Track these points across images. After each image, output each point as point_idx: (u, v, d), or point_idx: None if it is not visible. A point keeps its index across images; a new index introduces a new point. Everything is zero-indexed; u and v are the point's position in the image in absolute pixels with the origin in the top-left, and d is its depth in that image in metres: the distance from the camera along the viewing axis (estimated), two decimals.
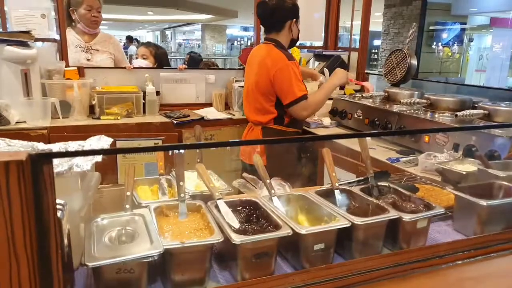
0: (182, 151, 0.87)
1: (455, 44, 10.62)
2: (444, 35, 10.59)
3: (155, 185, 1.05)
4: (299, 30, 2.11)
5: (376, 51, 14.30)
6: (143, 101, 2.62)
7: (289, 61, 1.95)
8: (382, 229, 0.90)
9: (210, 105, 2.99)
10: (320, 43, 3.39)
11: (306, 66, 3.09)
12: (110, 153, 0.83)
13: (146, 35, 33.87)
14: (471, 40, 12.21)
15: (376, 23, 11.59)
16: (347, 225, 0.84)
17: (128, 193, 0.84)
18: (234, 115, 2.81)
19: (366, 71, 3.00)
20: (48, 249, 0.55)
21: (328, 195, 1.02)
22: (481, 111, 1.64)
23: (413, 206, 0.98)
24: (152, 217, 0.81)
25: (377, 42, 13.19)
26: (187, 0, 12.62)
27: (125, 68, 2.83)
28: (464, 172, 1.35)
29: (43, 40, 2.50)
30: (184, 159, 0.88)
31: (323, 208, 0.93)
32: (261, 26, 2.24)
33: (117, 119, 2.43)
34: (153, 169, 1.24)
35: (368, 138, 2.11)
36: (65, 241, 0.61)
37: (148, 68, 3.03)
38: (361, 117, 2.28)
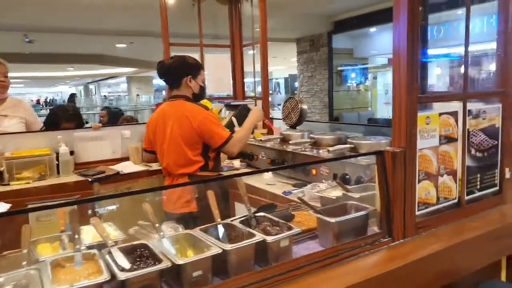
0: (75, 207, 1.03)
1: (364, 82, 11.86)
2: (352, 75, 11.80)
3: (56, 242, 1.17)
4: (200, 86, 2.31)
5: (297, 92, 15.40)
6: (57, 162, 2.66)
7: (206, 111, 2.19)
8: (251, 251, 1.11)
9: (127, 159, 3.10)
10: (230, 93, 3.71)
11: (218, 116, 3.36)
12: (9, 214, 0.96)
13: (68, 91, 32.71)
14: (375, 77, 13.71)
15: (294, 67, 12.60)
16: (219, 252, 1.04)
17: (25, 251, 0.96)
18: (151, 166, 2.95)
19: (270, 116, 3.35)
20: None
21: (211, 230, 1.22)
22: (348, 145, 2.00)
23: (278, 229, 1.21)
24: (47, 269, 0.94)
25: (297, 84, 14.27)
26: (109, 56, 12.70)
27: (37, 131, 2.88)
28: (334, 197, 1.64)
29: None
30: (77, 215, 1.03)
31: (203, 242, 1.12)
32: None
33: (29, 183, 2.45)
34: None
35: (270, 175, 2.38)
36: None
37: (61, 130, 3.00)
38: (264, 158, 2.56)
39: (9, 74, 2.86)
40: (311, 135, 2.31)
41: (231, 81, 3.62)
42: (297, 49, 11.28)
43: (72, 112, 3.32)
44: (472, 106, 1.52)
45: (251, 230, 1.19)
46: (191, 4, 5.01)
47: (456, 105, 1.46)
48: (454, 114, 1.45)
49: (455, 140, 1.47)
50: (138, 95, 19.79)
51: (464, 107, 1.47)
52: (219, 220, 1.25)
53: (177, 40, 3.40)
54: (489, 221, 1.53)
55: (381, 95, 13.99)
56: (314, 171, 2.12)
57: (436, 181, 1.43)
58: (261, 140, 2.53)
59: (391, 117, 1.35)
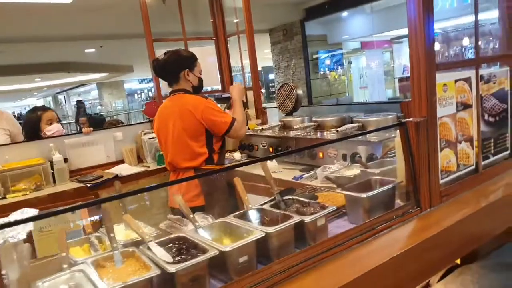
0: (106, 207, 0.97)
1: (339, 68, 11.98)
2: (327, 62, 11.89)
3: (86, 244, 1.11)
4: (199, 78, 2.26)
5: (273, 84, 15.41)
6: (52, 171, 2.56)
7: (205, 99, 2.15)
8: (291, 233, 1.09)
9: (122, 162, 3.01)
10: (218, 86, 3.66)
11: None
12: (47, 216, 0.91)
13: (36, 103, 31.64)
14: (350, 62, 13.86)
15: (267, 59, 12.57)
16: (262, 235, 1.01)
17: (64, 254, 0.90)
18: (149, 167, 2.88)
19: (264, 105, 3.32)
20: None
21: (244, 216, 1.19)
22: (356, 124, 2.00)
23: (312, 209, 1.19)
24: (91, 269, 0.89)
25: (272, 76, 14.27)
26: (78, 62, 12.31)
27: (22, 142, 2.77)
28: (352, 176, 1.63)
29: None
30: (110, 213, 0.98)
31: (241, 227, 1.09)
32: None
33: (26, 194, 2.34)
34: (74, 236, 1.28)
35: (275, 164, 2.36)
36: None
37: (56, 137, 2.86)
38: (266, 147, 2.54)
39: None
40: (314, 119, 2.29)
41: (218, 74, 3.56)
42: (271, 40, 11.23)
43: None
44: (483, 71, 1.54)
45: (285, 212, 1.16)
46: (161, 2, 4.90)
47: (467, 72, 1.48)
48: (468, 80, 1.46)
49: (470, 106, 1.48)
50: (101, 102, 19.21)
51: (477, 72, 1.48)
52: (249, 206, 1.21)
53: None
54: (505, 185, 1.56)
55: (356, 80, 14.17)
56: (321, 154, 2.11)
57: (456, 148, 1.44)
58: (261, 129, 2.50)
59: (368, 101, 1.34)
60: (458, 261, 1.56)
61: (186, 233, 1.09)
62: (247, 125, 2.95)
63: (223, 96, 3.37)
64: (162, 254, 0.97)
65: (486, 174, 1.57)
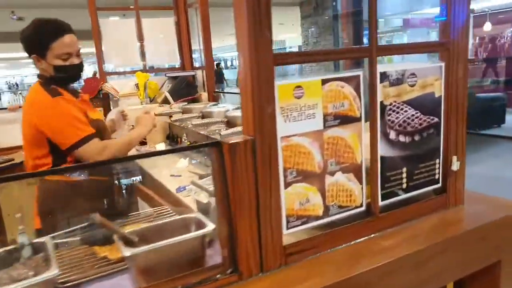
0: None
1: None
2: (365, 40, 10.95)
3: None
4: (55, 66, 1.54)
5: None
6: None
7: (52, 97, 1.51)
8: None
9: None
10: (177, 64, 3.23)
11: (159, 90, 2.90)
12: None
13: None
14: (389, 42, 12.75)
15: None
16: None
17: None
18: None
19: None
20: None
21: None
22: None
23: (33, 273, 0.78)
24: None
25: None
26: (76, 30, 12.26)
27: None
28: (206, 201, 1.20)
29: None
30: None
31: None
32: None
33: None
34: None
35: (185, 164, 1.94)
36: None
37: None
38: (186, 140, 2.12)
39: None
40: (226, 113, 1.82)
41: (178, 51, 3.11)
42: (301, 14, 10.48)
43: None
44: (390, 67, 1.02)
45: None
46: None
47: (357, 70, 0.96)
48: (353, 79, 0.95)
49: (357, 119, 0.97)
50: None
51: (373, 67, 0.96)
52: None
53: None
54: (412, 236, 1.04)
55: (397, 60, 13.02)
56: None
57: (322, 182, 0.95)
58: (182, 119, 2.08)
59: None
60: None
61: None
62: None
63: (168, 75, 2.94)
64: None
65: (388, 219, 1.06)
